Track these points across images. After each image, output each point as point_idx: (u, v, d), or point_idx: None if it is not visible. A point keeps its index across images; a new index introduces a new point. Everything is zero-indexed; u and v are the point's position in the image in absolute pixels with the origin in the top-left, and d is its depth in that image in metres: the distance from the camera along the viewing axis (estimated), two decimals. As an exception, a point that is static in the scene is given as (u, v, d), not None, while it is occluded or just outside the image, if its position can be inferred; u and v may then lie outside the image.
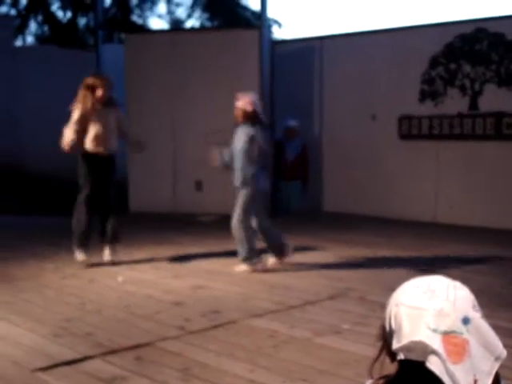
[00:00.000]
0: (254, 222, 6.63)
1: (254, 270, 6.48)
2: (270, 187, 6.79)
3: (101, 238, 6.93)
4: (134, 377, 3.81)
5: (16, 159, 13.92)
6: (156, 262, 6.99)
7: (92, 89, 6.69)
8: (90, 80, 6.74)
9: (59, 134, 7.00)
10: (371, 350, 3.98)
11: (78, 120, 6.65)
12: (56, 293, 5.74)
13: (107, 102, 6.77)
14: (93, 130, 6.71)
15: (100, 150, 6.75)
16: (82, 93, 6.73)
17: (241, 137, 6.49)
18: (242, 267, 6.53)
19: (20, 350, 4.25)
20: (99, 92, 6.67)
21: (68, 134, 6.68)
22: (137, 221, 7.91)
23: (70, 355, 4.12)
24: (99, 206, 6.89)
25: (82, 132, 6.69)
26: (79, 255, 6.78)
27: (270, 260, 6.80)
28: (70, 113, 6.75)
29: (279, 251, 6.77)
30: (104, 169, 6.80)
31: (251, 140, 6.45)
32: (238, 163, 6.49)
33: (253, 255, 6.55)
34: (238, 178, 6.52)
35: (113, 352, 4.19)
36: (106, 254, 6.88)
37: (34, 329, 4.68)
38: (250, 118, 6.51)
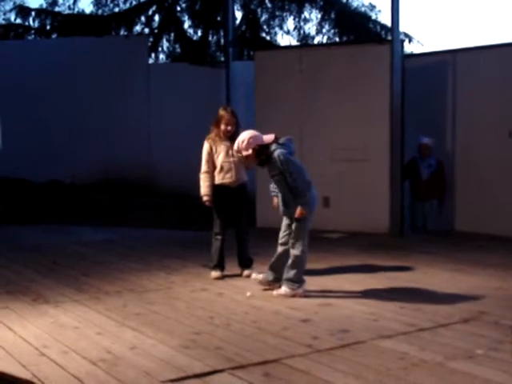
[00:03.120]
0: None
1: (295, 295, 6.10)
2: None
3: (240, 266, 7.18)
4: (263, 393, 3.78)
5: (148, 174, 14.35)
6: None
7: (218, 122, 6.94)
8: (219, 112, 6.97)
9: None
10: (506, 376, 3.82)
11: (207, 160, 6.93)
12: (186, 305, 5.83)
13: (233, 137, 6.91)
14: (219, 163, 6.94)
15: (226, 182, 6.98)
16: (212, 126, 7.00)
17: None
18: (283, 290, 6.18)
19: (150, 360, 4.33)
20: (222, 127, 6.90)
21: (203, 183, 6.96)
22: (263, 236, 7.97)
23: (199, 368, 4.16)
24: (234, 231, 7.16)
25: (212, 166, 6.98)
26: (213, 273, 7.03)
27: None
28: (202, 143, 7.04)
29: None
30: (234, 199, 7.02)
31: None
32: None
33: (300, 279, 6.21)
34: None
35: (241, 367, 4.19)
36: (244, 273, 7.13)
37: (164, 340, 4.76)
38: (261, 155, 6.16)
